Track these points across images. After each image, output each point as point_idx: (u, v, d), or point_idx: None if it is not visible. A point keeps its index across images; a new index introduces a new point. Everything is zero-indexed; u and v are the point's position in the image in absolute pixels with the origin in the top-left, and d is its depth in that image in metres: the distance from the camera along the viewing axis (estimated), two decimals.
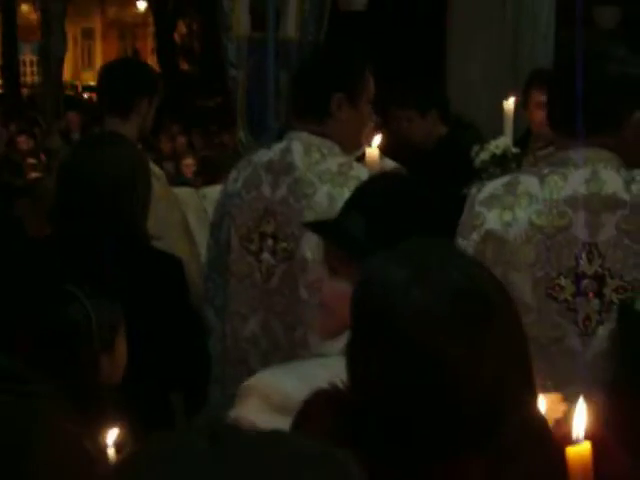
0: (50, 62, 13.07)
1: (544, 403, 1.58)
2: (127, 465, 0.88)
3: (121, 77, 3.93)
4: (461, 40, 6.88)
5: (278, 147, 3.15)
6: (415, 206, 2.06)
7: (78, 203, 2.88)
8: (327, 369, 1.76)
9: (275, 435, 0.91)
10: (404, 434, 1.43)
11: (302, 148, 3.07)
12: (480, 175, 4.39)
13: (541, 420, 1.52)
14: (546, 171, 2.36)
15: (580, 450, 1.42)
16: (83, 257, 2.79)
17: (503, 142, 4.43)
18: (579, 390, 2.11)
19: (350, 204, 2.14)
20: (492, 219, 2.34)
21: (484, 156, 4.45)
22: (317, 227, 2.33)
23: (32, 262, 2.89)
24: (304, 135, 3.09)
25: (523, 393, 1.48)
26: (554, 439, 1.49)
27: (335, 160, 3.04)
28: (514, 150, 4.43)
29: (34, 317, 2.34)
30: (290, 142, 3.11)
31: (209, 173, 6.23)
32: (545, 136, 4.83)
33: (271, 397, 1.90)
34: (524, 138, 5.15)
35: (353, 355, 1.52)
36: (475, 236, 2.35)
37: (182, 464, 0.83)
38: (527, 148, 4.99)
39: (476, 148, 4.52)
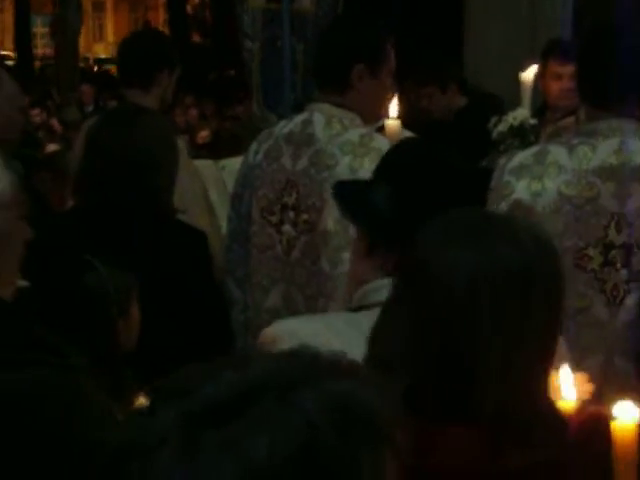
0: (66, 34, 13.07)
1: (571, 383, 1.58)
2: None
3: (141, 49, 3.93)
4: (479, 9, 6.84)
5: (299, 119, 3.14)
6: (444, 175, 2.04)
7: (106, 176, 2.88)
8: (349, 324, 1.88)
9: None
10: (418, 396, 1.44)
11: (323, 119, 3.07)
12: (497, 147, 4.38)
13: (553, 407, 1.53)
14: (575, 142, 2.37)
15: (626, 426, 1.42)
16: (109, 229, 2.80)
17: (521, 114, 4.41)
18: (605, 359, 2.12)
19: (376, 174, 2.13)
20: (521, 189, 2.34)
21: (502, 128, 4.43)
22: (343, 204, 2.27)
23: (53, 234, 2.90)
24: (325, 106, 3.09)
25: (540, 374, 1.49)
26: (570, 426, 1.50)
27: (356, 131, 3.04)
28: (532, 121, 4.40)
29: (53, 285, 2.39)
30: (311, 113, 3.11)
31: (226, 145, 6.23)
32: (563, 107, 4.82)
33: (284, 341, 1.92)
34: (541, 109, 5.13)
35: (392, 310, 1.53)
36: (504, 205, 2.35)
37: None
38: (544, 119, 4.97)
39: (494, 119, 4.51)
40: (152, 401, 0.89)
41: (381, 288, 1.87)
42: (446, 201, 1.89)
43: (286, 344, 1.88)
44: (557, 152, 2.36)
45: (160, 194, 2.92)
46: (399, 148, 2.23)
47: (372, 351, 1.54)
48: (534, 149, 2.47)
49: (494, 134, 4.44)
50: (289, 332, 1.97)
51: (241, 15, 5.19)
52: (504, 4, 6.73)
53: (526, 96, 4.35)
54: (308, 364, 0.90)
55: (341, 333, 1.88)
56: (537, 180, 2.33)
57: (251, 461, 0.82)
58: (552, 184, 2.32)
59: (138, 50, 3.94)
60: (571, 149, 2.34)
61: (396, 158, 2.14)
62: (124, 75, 4.03)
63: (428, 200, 1.94)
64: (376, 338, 1.57)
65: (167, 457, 0.83)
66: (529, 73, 4.30)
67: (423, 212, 1.86)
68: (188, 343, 2.86)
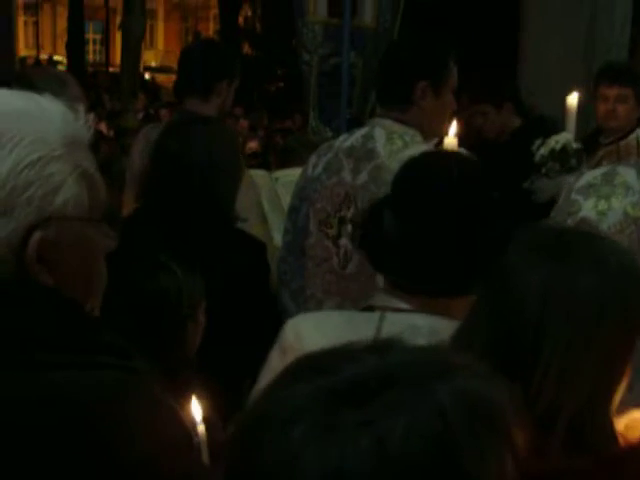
0: (129, 41, 13.21)
1: None
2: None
3: (202, 59, 3.96)
4: (536, 30, 6.83)
5: (360, 133, 3.16)
6: (443, 198, 2.03)
7: (171, 181, 2.91)
8: (352, 324, 2.01)
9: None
10: None
11: (384, 135, 3.07)
12: (540, 170, 4.38)
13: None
14: None
15: None
16: (172, 233, 2.83)
17: (564, 137, 4.39)
18: None
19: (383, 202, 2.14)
20: (588, 207, 2.36)
21: (544, 151, 4.42)
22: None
23: (125, 234, 2.93)
24: (387, 122, 3.10)
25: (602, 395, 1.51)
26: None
27: (417, 148, 3.03)
28: (575, 145, 4.38)
29: (127, 285, 2.39)
30: (372, 128, 3.12)
31: (277, 156, 6.25)
32: (610, 129, 4.81)
33: (285, 336, 2.09)
34: (595, 133, 5.11)
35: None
36: (570, 222, 2.37)
37: None
38: (597, 143, 4.95)
39: (538, 142, 4.50)
40: (291, 375, 0.93)
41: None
42: (449, 225, 1.97)
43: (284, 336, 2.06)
44: (626, 173, 2.38)
45: (224, 201, 2.95)
46: (402, 172, 2.21)
47: (455, 341, 1.62)
48: (603, 169, 2.48)
49: (536, 157, 4.44)
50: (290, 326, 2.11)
51: (301, 29, 5.22)
52: (562, 26, 6.72)
53: (570, 120, 4.33)
54: (443, 360, 0.94)
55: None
56: (604, 200, 2.35)
57: (386, 441, 0.85)
58: (619, 204, 2.33)
59: (199, 59, 3.98)
60: None
61: (397, 184, 2.15)
62: (184, 84, 4.06)
63: (426, 225, 2.00)
64: (460, 333, 1.63)
65: (303, 430, 0.86)
66: (573, 97, 4.29)
67: (422, 237, 1.97)
68: (240, 351, 2.88)
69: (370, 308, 2.10)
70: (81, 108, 1.51)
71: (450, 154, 2.47)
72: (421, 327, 1.94)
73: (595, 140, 4.97)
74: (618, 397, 1.54)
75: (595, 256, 1.53)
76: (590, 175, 2.46)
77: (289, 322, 2.17)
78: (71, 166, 1.42)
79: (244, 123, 13.21)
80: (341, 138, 3.25)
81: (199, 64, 3.93)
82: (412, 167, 2.18)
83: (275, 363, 2.11)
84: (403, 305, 2.04)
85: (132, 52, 13.27)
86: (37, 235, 1.37)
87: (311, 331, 2.07)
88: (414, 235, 2.02)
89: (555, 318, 1.48)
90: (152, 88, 22.72)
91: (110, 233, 1.53)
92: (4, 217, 1.36)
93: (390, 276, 2.10)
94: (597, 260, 1.52)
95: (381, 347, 0.94)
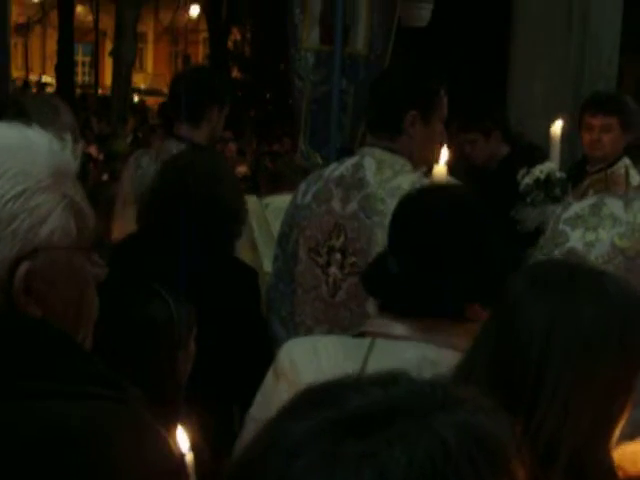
0: (120, 66, 13.26)
1: None
2: None
3: (193, 85, 3.98)
4: (525, 60, 6.87)
5: (350, 162, 3.16)
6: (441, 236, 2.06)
7: (172, 209, 2.95)
8: (344, 351, 2.04)
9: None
10: None
11: (374, 164, 3.08)
12: (524, 199, 4.40)
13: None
14: (632, 195, 2.43)
15: None
16: (166, 259, 2.85)
17: (548, 167, 4.43)
18: None
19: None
20: (575, 238, 2.38)
21: (528, 180, 4.45)
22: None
23: (117, 261, 2.94)
24: (377, 151, 3.11)
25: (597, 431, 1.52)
26: None
27: (407, 177, 3.05)
28: (559, 175, 4.41)
29: (118, 313, 2.40)
30: (362, 158, 3.13)
31: (266, 181, 6.27)
32: (596, 158, 4.84)
33: (280, 361, 2.12)
34: (582, 162, 5.14)
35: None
36: (557, 253, 2.39)
37: None
38: (584, 172, 4.98)
39: (522, 171, 4.53)
40: (296, 406, 0.94)
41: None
42: (446, 261, 2.01)
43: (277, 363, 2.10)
44: (613, 205, 2.41)
45: (222, 228, 2.97)
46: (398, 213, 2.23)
47: (458, 373, 1.63)
48: (591, 200, 2.51)
49: (521, 186, 4.47)
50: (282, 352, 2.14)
51: (294, 56, 5.24)
52: (550, 55, 6.76)
53: (555, 149, 4.36)
54: (447, 393, 0.94)
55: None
56: (592, 231, 2.37)
57: (388, 474, 0.85)
58: (606, 235, 2.35)
59: (190, 86, 4.00)
60: (627, 202, 2.38)
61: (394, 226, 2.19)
62: (175, 109, 4.08)
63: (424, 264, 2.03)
64: (463, 365, 1.65)
65: (306, 461, 0.87)
66: (557, 127, 4.31)
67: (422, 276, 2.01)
68: (231, 378, 2.89)
69: (363, 334, 2.10)
70: (69, 137, 1.51)
71: (444, 188, 2.50)
72: (410, 358, 1.95)
73: (582, 169, 5.00)
74: (618, 431, 1.56)
75: (599, 292, 1.55)
76: (577, 206, 2.48)
77: (284, 347, 2.18)
78: (58, 196, 1.42)
79: (233, 147, 13.22)
80: (331, 167, 3.26)
81: (190, 90, 3.95)
82: (408, 203, 2.21)
83: (269, 388, 2.13)
84: (396, 331, 2.05)
85: (123, 77, 13.32)
86: (24, 266, 1.37)
87: (305, 358, 2.09)
88: (408, 260, 2.05)
89: (558, 354, 1.50)
90: (141, 110, 22.73)
91: (99, 261, 1.53)
92: None
93: (382, 299, 2.11)
94: (600, 296, 1.54)
95: (386, 380, 0.95)
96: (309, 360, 2.07)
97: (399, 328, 2.04)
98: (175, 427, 1.91)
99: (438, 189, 2.45)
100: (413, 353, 1.98)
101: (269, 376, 2.15)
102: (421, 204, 2.17)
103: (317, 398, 0.94)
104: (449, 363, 1.91)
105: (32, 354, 1.37)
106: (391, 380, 0.95)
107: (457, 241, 2.05)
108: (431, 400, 0.93)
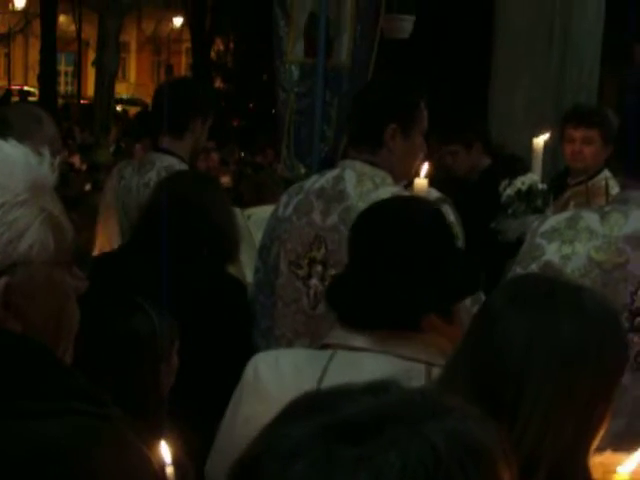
0: (103, 76, 13.26)
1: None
2: None
3: (177, 97, 3.98)
4: (506, 71, 6.90)
5: (330, 175, 3.17)
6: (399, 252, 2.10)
7: (168, 219, 2.99)
8: (305, 363, 2.11)
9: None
10: None
11: (355, 177, 3.10)
12: (506, 210, 4.43)
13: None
14: (608, 208, 2.41)
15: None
16: (153, 271, 2.86)
17: (530, 178, 4.45)
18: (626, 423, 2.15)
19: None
20: (551, 251, 2.38)
21: (510, 191, 4.48)
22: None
23: (100, 274, 2.95)
24: (357, 164, 3.12)
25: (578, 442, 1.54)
26: None
27: (387, 190, 3.06)
28: (541, 186, 4.44)
29: (100, 327, 2.40)
30: (343, 170, 3.14)
31: (248, 191, 6.27)
32: (577, 170, 4.87)
33: (245, 373, 2.19)
34: (563, 173, 5.17)
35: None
36: (534, 267, 2.39)
37: None
38: (565, 183, 5.01)
39: (504, 183, 4.55)
40: (290, 413, 0.97)
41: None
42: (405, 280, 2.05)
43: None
44: (589, 218, 2.40)
45: (214, 241, 3.00)
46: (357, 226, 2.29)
47: (439, 384, 1.66)
48: (567, 214, 2.51)
49: (503, 197, 4.49)
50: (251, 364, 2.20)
51: (279, 68, 5.26)
52: (532, 66, 6.79)
53: (537, 161, 4.39)
54: (436, 401, 0.98)
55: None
56: (568, 244, 2.37)
57: (383, 476, 0.88)
58: (582, 249, 2.35)
59: (173, 98, 4.00)
60: (603, 215, 2.38)
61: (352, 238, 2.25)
62: (158, 121, 4.08)
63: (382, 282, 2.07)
64: (443, 378, 1.68)
65: (303, 465, 0.89)
66: (540, 139, 4.34)
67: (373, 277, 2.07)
68: (214, 391, 2.89)
69: (327, 346, 2.14)
70: (46, 151, 1.51)
71: (403, 200, 2.58)
72: (368, 368, 1.99)
73: (564, 180, 5.03)
74: (596, 443, 1.57)
75: (577, 307, 1.57)
76: (554, 219, 2.48)
77: (252, 359, 2.23)
78: (36, 210, 1.42)
79: (215, 157, 13.18)
80: (312, 179, 3.27)
81: (173, 102, 3.95)
82: (366, 216, 2.28)
83: (236, 398, 2.20)
84: (356, 343, 2.09)
85: (105, 87, 13.31)
86: (3, 281, 1.37)
87: (267, 369, 2.15)
88: (366, 273, 2.10)
89: (537, 369, 1.52)
90: (123, 119, 22.70)
91: (80, 274, 1.53)
92: None
93: (341, 311, 2.15)
94: (579, 311, 1.56)
95: (377, 388, 0.98)
96: (271, 372, 2.13)
97: (358, 340, 2.09)
98: (158, 440, 1.92)
99: (397, 202, 2.49)
100: (371, 364, 2.02)
101: (237, 387, 2.21)
102: (378, 218, 2.22)
103: (311, 405, 0.97)
104: (406, 373, 1.95)
105: (12, 371, 1.36)
106: (382, 389, 0.98)
107: (412, 254, 2.09)
108: (422, 408, 0.96)
